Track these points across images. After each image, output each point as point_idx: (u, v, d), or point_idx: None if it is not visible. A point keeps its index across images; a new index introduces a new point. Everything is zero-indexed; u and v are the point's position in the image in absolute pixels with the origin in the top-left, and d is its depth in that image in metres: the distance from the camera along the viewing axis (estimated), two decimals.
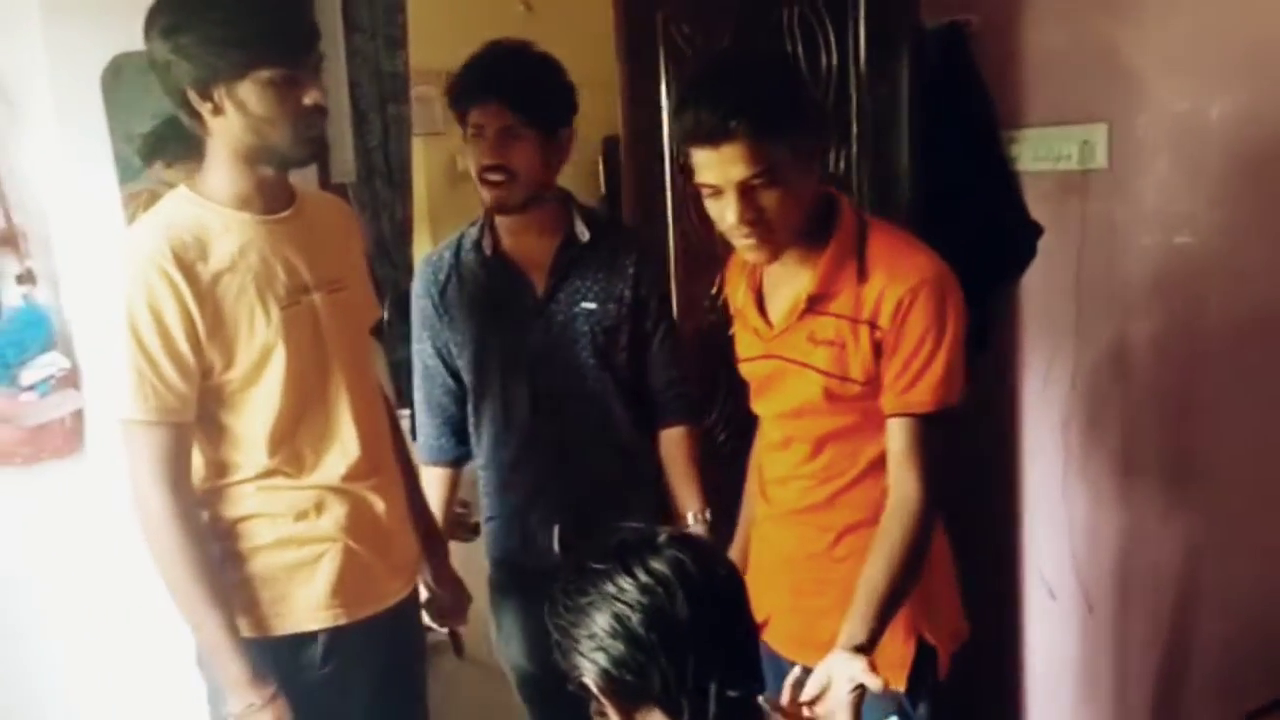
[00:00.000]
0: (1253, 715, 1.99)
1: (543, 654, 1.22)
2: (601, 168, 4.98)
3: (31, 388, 1.96)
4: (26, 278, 1.94)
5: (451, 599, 1.95)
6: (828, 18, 2.26)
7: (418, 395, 2.09)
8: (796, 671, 1.39)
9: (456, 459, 2.09)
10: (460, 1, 3.96)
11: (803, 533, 1.67)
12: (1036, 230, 2.33)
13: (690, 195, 1.96)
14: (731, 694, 1.15)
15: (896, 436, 1.54)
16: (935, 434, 1.53)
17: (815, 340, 1.57)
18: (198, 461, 1.56)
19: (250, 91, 1.45)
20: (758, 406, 1.73)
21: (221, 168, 1.53)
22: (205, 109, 1.47)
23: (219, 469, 1.58)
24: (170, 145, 1.92)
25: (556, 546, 1.97)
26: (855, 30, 2.25)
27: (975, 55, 2.33)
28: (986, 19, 2.34)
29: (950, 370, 1.52)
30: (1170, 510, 2.25)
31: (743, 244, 1.53)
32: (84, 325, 1.99)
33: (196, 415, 1.52)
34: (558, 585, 1.20)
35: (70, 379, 1.99)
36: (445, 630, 2.60)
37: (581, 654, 1.16)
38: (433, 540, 1.90)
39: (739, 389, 1.78)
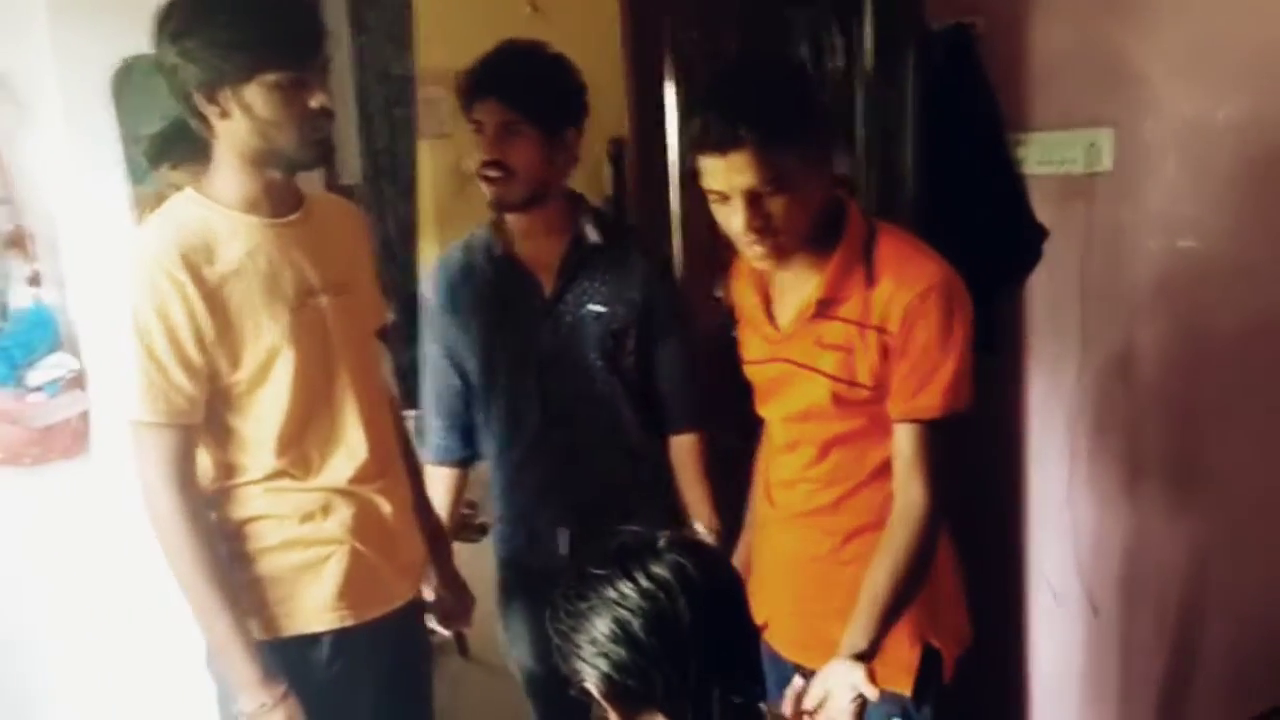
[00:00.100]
0: (1259, 719, 1.99)
1: (550, 655, 1.22)
2: (607, 169, 4.98)
3: (39, 389, 1.97)
4: (34, 279, 1.95)
5: (456, 601, 1.95)
6: (834, 20, 2.26)
7: (426, 395, 2.08)
8: (798, 683, 1.39)
9: (464, 459, 2.09)
10: (466, 3, 3.96)
11: (808, 536, 1.67)
12: (1042, 233, 2.32)
13: (697, 198, 1.96)
14: (735, 700, 1.15)
15: (903, 442, 1.54)
16: (942, 440, 1.53)
17: (823, 344, 1.56)
18: (205, 463, 1.56)
19: (256, 95, 1.45)
20: (764, 409, 1.73)
21: (228, 171, 1.53)
22: (212, 112, 1.47)
23: (226, 470, 1.58)
24: (177, 148, 1.92)
25: (566, 550, 1.96)
26: (861, 33, 2.25)
27: (981, 58, 2.32)
28: (992, 22, 2.33)
29: (958, 376, 1.51)
30: (1176, 514, 2.24)
31: (750, 250, 1.53)
32: (91, 327, 2.00)
33: (204, 417, 1.52)
34: (558, 590, 1.19)
35: (78, 380, 2.00)
36: (450, 631, 2.60)
37: (583, 659, 1.16)
38: (437, 542, 1.90)
39: (745, 392, 1.78)
